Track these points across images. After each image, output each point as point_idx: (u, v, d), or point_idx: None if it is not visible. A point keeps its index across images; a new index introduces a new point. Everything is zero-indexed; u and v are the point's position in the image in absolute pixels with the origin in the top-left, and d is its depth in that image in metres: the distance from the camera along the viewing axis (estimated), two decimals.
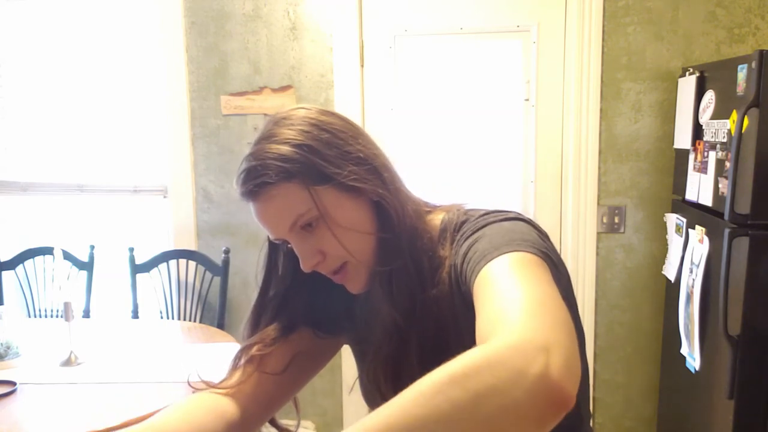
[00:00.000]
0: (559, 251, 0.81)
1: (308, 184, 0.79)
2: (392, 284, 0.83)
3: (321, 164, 0.79)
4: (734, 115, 1.84)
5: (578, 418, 0.86)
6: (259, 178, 0.79)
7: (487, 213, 0.82)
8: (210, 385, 0.92)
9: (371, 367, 0.89)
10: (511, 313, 0.59)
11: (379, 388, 0.88)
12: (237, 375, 0.93)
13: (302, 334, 0.96)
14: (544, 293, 0.62)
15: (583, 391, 0.87)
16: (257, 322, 0.95)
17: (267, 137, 0.82)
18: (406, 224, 0.82)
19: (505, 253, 0.69)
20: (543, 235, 0.78)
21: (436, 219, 0.88)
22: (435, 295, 0.82)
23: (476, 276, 0.70)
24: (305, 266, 0.83)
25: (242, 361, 0.94)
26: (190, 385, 0.94)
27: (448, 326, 0.82)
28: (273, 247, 0.92)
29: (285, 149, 0.79)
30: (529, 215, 0.87)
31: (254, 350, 0.93)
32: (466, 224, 0.81)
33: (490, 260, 0.69)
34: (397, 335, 0.84)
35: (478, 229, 0.78)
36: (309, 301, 0.95)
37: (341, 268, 0.85)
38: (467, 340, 0.61)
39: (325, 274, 0.86)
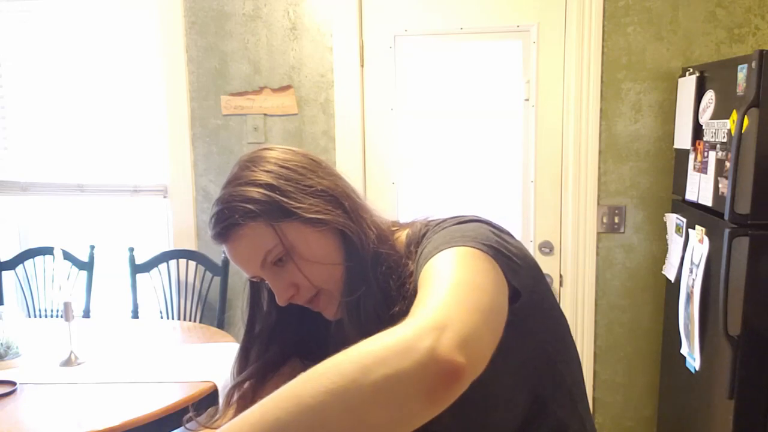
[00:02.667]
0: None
1: (272, 221, 0.83)
2: (360, 311, 0.85)
3: (282, 200, 0.83)
4: (734, 115, 1.84)
5: (570, 402, 0.87)
6: (227, 220, 0.84)
7: (444, 220, 0.84)
8: (204, 426, 0.93)
9: None
10: (425, 301, 0.62)
11: None
12: (230, 413, 0.94)
13: (293, 365, 0.98)
14: (465, 279, 0.65)
15: (574, 373, 0.89)
16: (246, 358, 0.97)
17: (232, 181, 0.87)
18: (369, 250, 0.85)
19: (442, 250, 0.72)
20: (499, 232, 0.80)
21: (402, 237, 0.90)
22: (405, 309, 0.83)
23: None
24: (280, 300, 0.86)
25: (235, 398, 0.95)
26: (185, 427, 0.96)
27: None
28: (254, 287, 0.95)
29: (249, 190, 0.84)
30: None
31: (246, 386, 0.95)
32: (427, 235, 0.84)
33: (429, 259, 0.73)
34: None
35: (432, 237, 0.81)
36: (296, 333, 0.97)
37: (315, 297, 0.87)
38: None
39: (302, 304, 0.88)
